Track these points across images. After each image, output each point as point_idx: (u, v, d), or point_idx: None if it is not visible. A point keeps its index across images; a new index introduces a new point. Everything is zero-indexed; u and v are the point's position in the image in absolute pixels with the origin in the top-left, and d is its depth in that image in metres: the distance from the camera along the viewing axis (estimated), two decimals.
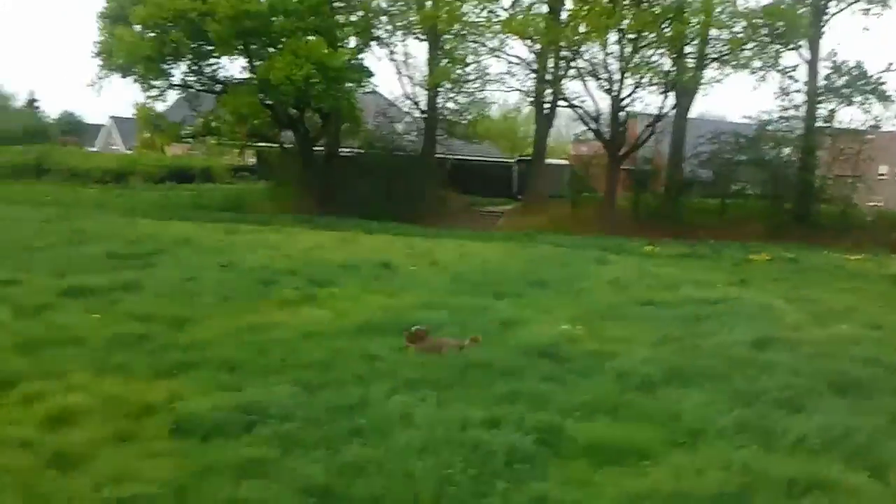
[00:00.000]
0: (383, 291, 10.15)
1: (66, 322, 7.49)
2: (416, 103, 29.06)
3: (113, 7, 25.07)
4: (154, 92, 26.14)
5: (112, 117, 72.52)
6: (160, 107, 27.41)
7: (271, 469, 4.23)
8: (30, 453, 4.35)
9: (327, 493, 3.99)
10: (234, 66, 31.02)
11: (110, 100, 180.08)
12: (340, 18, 26.67)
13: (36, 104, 59.37)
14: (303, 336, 7.28)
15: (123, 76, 24.59)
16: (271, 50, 24.37)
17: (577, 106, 26.98)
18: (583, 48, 24.92)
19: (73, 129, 58.18)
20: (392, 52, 28.39)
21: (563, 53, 25.80)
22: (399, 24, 27.33)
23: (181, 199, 31.88)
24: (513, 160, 40.73)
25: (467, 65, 27.68)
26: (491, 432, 4.68)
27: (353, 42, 26.60)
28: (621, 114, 25.91)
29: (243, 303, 8.93)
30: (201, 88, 26.10)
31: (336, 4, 26.11)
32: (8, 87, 55.96)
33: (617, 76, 25.03)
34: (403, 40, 28.46)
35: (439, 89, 28.18)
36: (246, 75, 25.94)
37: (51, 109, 60.11)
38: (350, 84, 25.33)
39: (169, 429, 4.84)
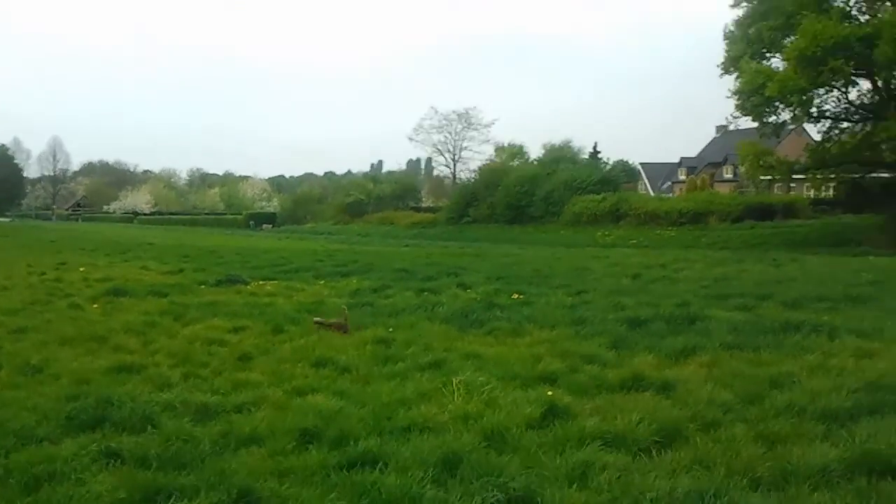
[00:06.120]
0: None
1: None
2: None
3: (737, 49, 24.75)
4: (768, 130, 25.29)
5: (641, 164, 76.25)
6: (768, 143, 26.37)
7: None
8: None
9: None
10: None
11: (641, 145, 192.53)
12: None
13: (598, 154, 65.02)
14: None
15: (755, 118, 24.03)
16: None
17: None
18: None
19: (627, 176, 61.91)
20: None
21: None
22: None
23: (769, 236, 30.25)
24: None
25: None
26: None
27: None
28: None
29: None
30: (841, 117, 23.91)
31: None
32: (576, 141, 62.43)
33: None
34: None
35: None
36: None
37: (609, 157, 64.82)
38: None
39: None
